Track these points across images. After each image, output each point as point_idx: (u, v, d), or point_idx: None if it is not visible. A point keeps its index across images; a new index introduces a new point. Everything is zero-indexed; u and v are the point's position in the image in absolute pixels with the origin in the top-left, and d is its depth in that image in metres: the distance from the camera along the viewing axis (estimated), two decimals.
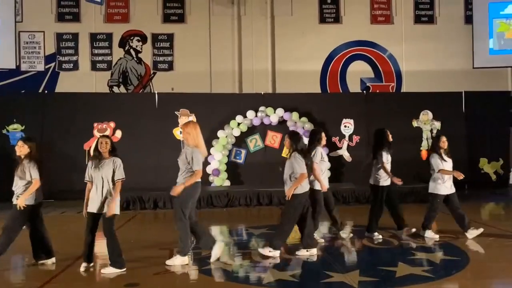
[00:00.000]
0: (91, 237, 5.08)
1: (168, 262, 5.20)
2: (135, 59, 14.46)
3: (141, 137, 10.95)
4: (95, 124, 11.14)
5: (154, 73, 14.48)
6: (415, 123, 12.42)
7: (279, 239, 5.57)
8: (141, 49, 14.47)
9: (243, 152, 11.38)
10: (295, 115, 11.10)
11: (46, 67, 14.12)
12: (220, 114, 11.12)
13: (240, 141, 11.45)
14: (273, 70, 14.52)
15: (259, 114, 11.02)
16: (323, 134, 6.46)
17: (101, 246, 5.35)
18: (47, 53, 14.14)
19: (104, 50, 14.38)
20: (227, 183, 10.93)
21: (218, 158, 10.83)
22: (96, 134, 11.12)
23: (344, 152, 11.56)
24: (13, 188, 5.16)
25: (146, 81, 14.48)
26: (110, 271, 4.97)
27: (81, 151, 10.99)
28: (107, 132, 11.08)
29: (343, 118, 11.94)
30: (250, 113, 11.02)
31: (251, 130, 11.34)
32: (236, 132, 10.98)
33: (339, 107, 12.06)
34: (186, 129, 5.37)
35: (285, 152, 11.24)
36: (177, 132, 11.18)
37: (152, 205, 9.35)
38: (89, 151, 11.03)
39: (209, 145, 11.12)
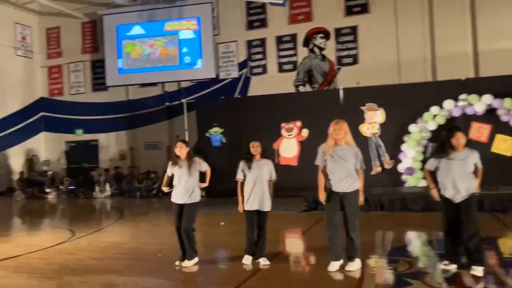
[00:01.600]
0: (255, 233, 5.24)
1: (348, 268, 4.72)
2: (319, 56, 14.42)
3: (326, 135, 10.72)
4: (283, 124, 11.44)
5: (339, 69, 14.19)
6: None
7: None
8: (325, 45, 14.35)
9: None
10: (508, 101, 9.23)
11: (239, 73, 15.27)
12: (411, 106, 10.07)
13: (437, 135, 10.17)
14: (475, 52, 12.59)
15: (459, 103, 9.55)
16: None
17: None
18: (239, 60, 15.28)
19: (289, 51, 14.76)
20: (423, 183, 9.82)
21: (411, 155, 9.83)
22: (284, 134, 11.41)
23: None
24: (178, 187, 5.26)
25: (331, 78, 14.29)
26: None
27: (271, 151, 11.44)
28: (294, 132, 11.25)
29: None
30: (448, 103, 9.65)
31: (450, 122, 9.95)
32: (432, 126, 9.77)
33: None
34: (344, 127, 4.82)
35: (499, 147, 9.51)
36: (364, 129, 10.60)
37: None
38: (277, 150, 11.39)
39: (400, 141, 10.23)
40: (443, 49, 12.64)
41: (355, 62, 13.96)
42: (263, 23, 15.00)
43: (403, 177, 9.99)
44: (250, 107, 11.87)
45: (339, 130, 4.76)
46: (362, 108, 10.59)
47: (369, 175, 10.37)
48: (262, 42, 15.04)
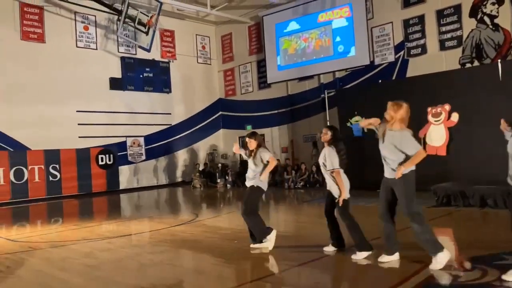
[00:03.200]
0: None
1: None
2: (491, 26, 12.13)
3: (482, 119, 8.96)
4: (429, 109, 10.04)
5: None
6: None
7: None
8: (498, 12, 11.99)
9: None
10: None
11: (396, 56, 14.08)
12: None
13: None
14: None
15: None
16: None
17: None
18: (396, 43, 14.09)
19: (453, 25, 12.86)
20: None
21: None
22: (431, 119, 10.02)
23: None
24: (247, 175, 5.59)
25: (506, 50, 11.87)
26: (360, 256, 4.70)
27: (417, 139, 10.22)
28: (442, 117, 9.76)
29: None
30: None
31: None
32: None
33: None
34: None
35: None
36: None
37: (478, 202, 7.34)
38: (424, 138, 10.08)
39: None
40: None
41: None
42: None
43: None
44: (391, 92, 10.82)
45: None
46: None
47: None
48: (421, 19, 13.51)
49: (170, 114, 18.24)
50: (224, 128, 19.88)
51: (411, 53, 13.74)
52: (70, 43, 15.45)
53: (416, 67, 13.22)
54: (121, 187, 16.25)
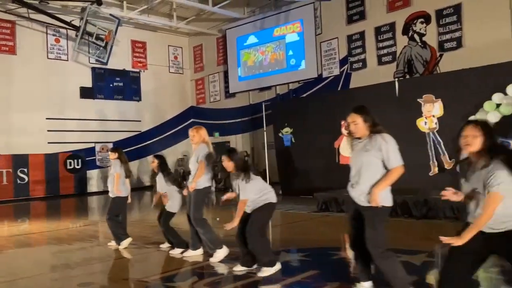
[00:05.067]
0: None
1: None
2: (420, 44, 12.92)
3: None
4: (343, 122, 10.86)
5: (441, 55, 12.42)
6: None
7: None
8: (425, 31, 12.77)
9: None
10: None
11: (341, 70, 14.91)
12: (473, 95, 8.29)
13: (508, 129, 8.05)
14: None
15: None
16: None
17: None
18: (341, 57, 14.91)
19: (389, 41, 13.67)
20: None
21: None
22: (344, 132, 10.83)
23: None
24: None
25: (432, 66, 12.64)
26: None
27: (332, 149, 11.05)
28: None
29: None
30: None
31: None
32: (494, 117, 7.84)
33: None
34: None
35: None
36: (421, 123, 9.25)
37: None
38: (338, 149, 10.90)
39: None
40: None
41: (459, 45, 12.01)
42: (362, 16, 14.29)
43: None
44: (312, 106, 11.70)
45: None
46: (419, 100, 9.25)
47: (427, 177, 9.13)
48: (361, 35, 14.33)
49: (140, 121, 19.28)
50: None
51: (353, 67, 14.56)
52: (41, 55, 16.60)
53: (358, 81, 14.01)
54: (91, 190, 17.33)
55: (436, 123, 9.03)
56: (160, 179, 6.09)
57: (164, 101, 20.10)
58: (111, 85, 18.27)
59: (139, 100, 19.26)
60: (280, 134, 12.53)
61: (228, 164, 4.68)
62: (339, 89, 14.75)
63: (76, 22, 16.47)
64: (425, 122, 9.15)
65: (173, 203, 5.95)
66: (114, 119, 18.39)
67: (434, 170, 9.04)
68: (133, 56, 19.21)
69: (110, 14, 15.82)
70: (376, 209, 3.35)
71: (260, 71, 17.08)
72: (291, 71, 16.12)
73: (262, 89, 17.47)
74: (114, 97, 18.40)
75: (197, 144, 5.42)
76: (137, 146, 19.19)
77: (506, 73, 8.05)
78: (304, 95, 15.75)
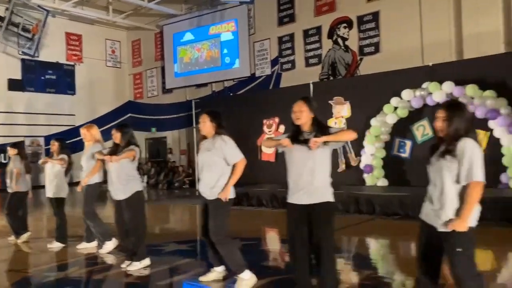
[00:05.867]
0: None
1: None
2: (343, 47, 13.64)
3: None
4: (264, 121, 11.38)
5: (361, 59, 13.20)
6: None
7: None
8: (348, 35, 13.50)
9: (409, 143, 8.72)
10: (471, 89, 7.51)
11: (272, 70, 15.42)
12: (375, 98, 9.00)
13: (405, 130, 8.84)
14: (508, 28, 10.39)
15: (417, 93, 8.17)
16: None
17: None
18: (272, 58, 15.42)
19: (315, 44, 14.31)
20: (383, 182, 8.71)
21: (370, 151, 8.83)
22: (265, 130, 11.35)
23: None
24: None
25: (353, 69, 13.40)
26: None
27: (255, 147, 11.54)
28: (273, 128, 11.11)
29: None
30: (407, 93, 8.34)
31: (416, 114, 8.55)
32: (391, 119, 8.58)
33: None
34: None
35: None
36: (332, 123, 9.88)
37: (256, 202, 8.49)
38: (260, 146, 11.39)
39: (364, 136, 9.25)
40: (471, 28, 10.74)
41: (377, 50, 12.82)
42: (291, 19, 14.85)
43: (364, 175, 9.04)
44: (236, 104, 12.11)
45: None
46: (330, 102, 9.88)
47: (336, 173, 9.74)
48: (291, 37, 14.89)
49: (74, 115, 18.91)
50: (134, 130, 20.65)
51: (283, 67, 15.11)
52: None
53: (287, 81, 14.57)
54: None
55: (344, 123, 9.69)
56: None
57: (100, 95, 19.81)
58: (42, 77, 17.80)
59: (74, 93, 18.89)
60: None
61: (116, 135, 4.96)
62: (270, 88, 15.27)
63: (2, 12, 15.93)
64: (335, 122, 9.79)
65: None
66: (45, 113, 17.94)
67: (342, 167, 9.69)
68: (68, 48, 18.79)
69: (38, 6, 15.42)
70: (218, 201, 3.74)
71: (196, 68, 17.29)
72: (225, 69, 16.45)
73: (198, 86, 17.68)
74: (46, 90, 17.95)
75: (89, 142, 5.60)
76: (70, 141, 18.79)
77: (402, 79, 8.79)
78: (238, 93, 16.15)
